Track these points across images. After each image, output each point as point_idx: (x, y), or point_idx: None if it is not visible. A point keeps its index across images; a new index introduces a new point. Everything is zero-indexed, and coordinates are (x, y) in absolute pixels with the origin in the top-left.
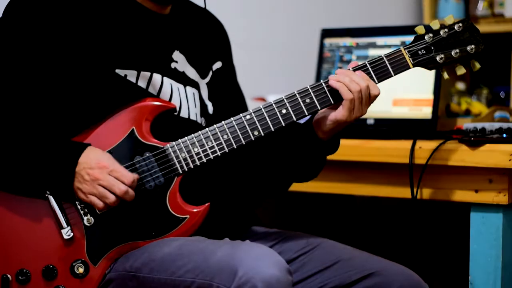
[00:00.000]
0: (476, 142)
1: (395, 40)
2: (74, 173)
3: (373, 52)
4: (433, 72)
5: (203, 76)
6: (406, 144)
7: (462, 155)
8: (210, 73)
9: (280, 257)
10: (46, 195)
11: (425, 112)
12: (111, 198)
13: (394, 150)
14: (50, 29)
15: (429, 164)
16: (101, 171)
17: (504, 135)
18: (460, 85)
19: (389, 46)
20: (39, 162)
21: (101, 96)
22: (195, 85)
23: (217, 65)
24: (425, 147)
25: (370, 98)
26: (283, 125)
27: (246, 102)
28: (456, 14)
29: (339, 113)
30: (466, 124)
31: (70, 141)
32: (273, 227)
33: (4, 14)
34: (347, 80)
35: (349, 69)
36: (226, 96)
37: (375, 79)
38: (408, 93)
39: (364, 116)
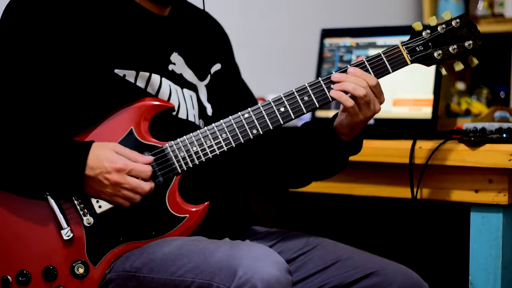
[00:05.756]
0: (476, 142)
1: (395, 40)
2: (84, 176)
3: (373, 52)
4: (433, 72)
5: (201, 79)
6: (406, 144)
7: (462, 155)
8: (209, 75)
9: (280, 257)
10: (46, 196)
11: (425, 112)
12: (137, 198)
13: (394, 150)
14: (50, 29)
15: (429, 164)
16: (120, 174)
17: (504, 135)
18: (460, 85)
19: (389, 46)
20: (43, 166)
21: (100, 96)
22: (193, 87)
23: (216, 67)
24: (425, 147)
25: (375, 92)
26: (282, 123)
27: (255, 99)
28: (456, 14)
29: (347, 119)
30: (466, 124)
31: (73, 142)
32: (273, 227)
33: (3, 15)
34: (350, 87)
35: (348, 67)
36: (231, 96)
37: (373, 75)
38: (408, 93)
39: (380, 106)
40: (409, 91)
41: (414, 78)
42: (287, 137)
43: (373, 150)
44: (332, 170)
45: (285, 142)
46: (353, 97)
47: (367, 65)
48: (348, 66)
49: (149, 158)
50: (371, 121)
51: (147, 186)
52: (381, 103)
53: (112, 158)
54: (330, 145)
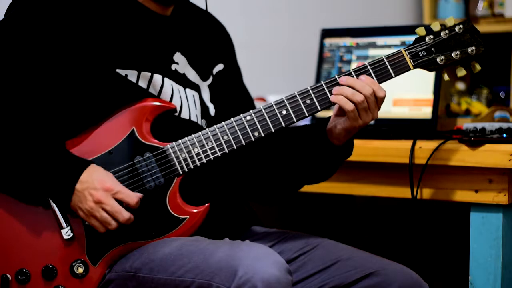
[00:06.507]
0: (476, 142)
1: (395, 40)
2: (74, 190)
3: (373, 52)
4: (433, 72)
5: (204, 79)
6: (406, 144)
7: (462, 155)
8: (211, 75)
9: (280, 257)
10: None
11: (425, 112)
12: (113, 224)
13: (394, 150)
14: (52, 28)
15: (429, 164)
16: (106, 194)
17: (504, 135)
18: (460, 85)
19: (389, 46)
20: (39, 173)
21: (102, 95)
22: (196, 87)
23: (219, 67)
24: (425, 147)
25: (377, 102)
26: (283, 126)
27: (254, 103)
28: (456, 14)
29: (346, 123)
30: (466, 124)
31: (72, 156)
32: (273, 227)
33: (6, 14)
34: (349, 93)
35: (352, 73)
36: (231, 98)
37: (376, 80)
38: (408, 93)
39: (378, 113)
40: (409, 91)
41: (414, 78)
42: (278, 140)
43: (373, 150)
44: (323, 174)
45: (276, 145)
46: (351, 102)
47: (370, 69)
48: (336, 77)
49: (139, 194)
50: (371, 121)
51: (127, 215)
52: (378, 109)
53: (102, 177)
54: (321, 149)
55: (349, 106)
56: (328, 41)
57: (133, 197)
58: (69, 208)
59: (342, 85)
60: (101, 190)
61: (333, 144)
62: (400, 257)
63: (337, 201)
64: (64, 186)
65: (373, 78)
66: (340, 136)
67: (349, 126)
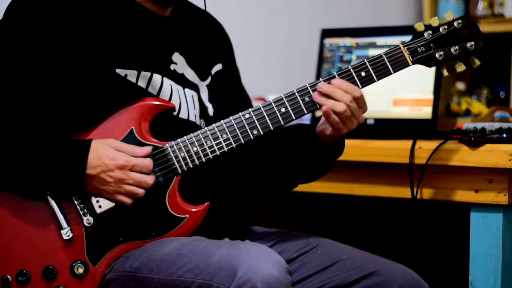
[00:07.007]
0: (476, 142)
1: (395, 40)
2: (85, 175)
3: (373, 52)
4: (433, 71)
5: (202, 78)
6: (406, 144)
7: (462, 155)
8: (210, 75)
9: (279, 257)
10: (46, 196)
11: (425, 112)
12: (141, 193)
13: (394, 150)
14: (51, 28)
15: (429, 164)
16: (123, 171)
17: (504, 135)
18: (460, 85)
19: (389, 46)
20: (43, 166)
21: (101, 95)
22: (194, 87)
23: (217, 67)
24: (425, 147)
25: (359, 105)
26: (282, 124)
27: (251, 103)
28: (456, 14)
29: (332, 131)
30: (466, 124)
31: (72, 141)
32: (273, 227)
33: (5, 15)
34: (330, 104)
35: (350, 69)
36: (229, 98)
37: (375, 77)
38: (408, 93)
39: (364, 116)
40: (409, 91)
41: (414, 78)
42: (271, 140)
43: (373, 150)
44: (315, 173)
45: (269, 145)
46: (335, 112)
47: (368, 66)
48: (336, 74)
49: (147, 149)
50: (371, 121)
51: (151, 179)
52: (364, 112)
53: (112, 155)
54: (312, 149)
55: (333, 119)
56: (328, 41)
57: (148, 164)
58: (87, 194)
59: (321, 92)
60: (116, 170)
61: (323, 145)
62: (400, 257)
63: (337, 201)
64: (73, 171)
65: (372, 75)
66: (329, 140)
67: (335, 134)
